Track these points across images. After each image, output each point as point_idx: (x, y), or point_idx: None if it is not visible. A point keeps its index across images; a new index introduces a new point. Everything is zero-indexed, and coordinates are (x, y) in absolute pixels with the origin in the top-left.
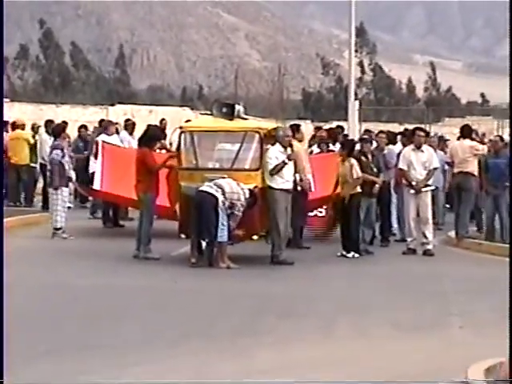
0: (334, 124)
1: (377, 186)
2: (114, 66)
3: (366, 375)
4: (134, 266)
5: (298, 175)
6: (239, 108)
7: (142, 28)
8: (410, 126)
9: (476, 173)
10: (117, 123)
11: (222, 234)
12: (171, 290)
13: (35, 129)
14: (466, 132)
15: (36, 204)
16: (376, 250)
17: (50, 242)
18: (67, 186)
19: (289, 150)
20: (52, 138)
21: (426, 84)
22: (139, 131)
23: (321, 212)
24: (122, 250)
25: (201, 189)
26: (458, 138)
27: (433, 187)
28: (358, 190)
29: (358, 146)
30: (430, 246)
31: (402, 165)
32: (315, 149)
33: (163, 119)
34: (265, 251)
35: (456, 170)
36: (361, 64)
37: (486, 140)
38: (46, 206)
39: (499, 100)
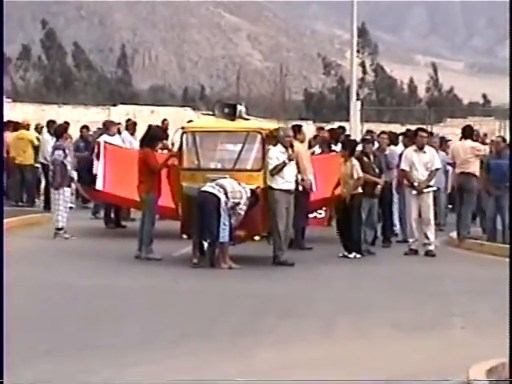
0: (335, 124)
1: (379, 186)
2: (116, 66)
3: (365, 375)
4: (135, 267)
5: (299, 175)
6: (241, 108)
7: (144, 28)
8: (412, 127)
9: (478, 173)
10: (119, 123)
11: (224, 235)
12: (173, 290)
13: (38, 129)
14: (468, 133)
15: (38, 204)
16: (378, 250)
17: (51, 242)
18: (69, 186)
19: (290, 150)
20: (54, 139)
21: (427, 84)
22: (141, 132)
23: (320, 213)
24: (123, 250)
25: (203, 189)
26: (460, 139)
27: (435, 188)
28: (359, 190)
29: (359, 147)
30: (431, 247)
31: (404, 165)
32: (317, 149)
33: (165, 119)
34: (266, 252)
35: (458, 171)
36: (362, 64)
37: (487, 141)
38: (47, 206)
39: (501, 101)
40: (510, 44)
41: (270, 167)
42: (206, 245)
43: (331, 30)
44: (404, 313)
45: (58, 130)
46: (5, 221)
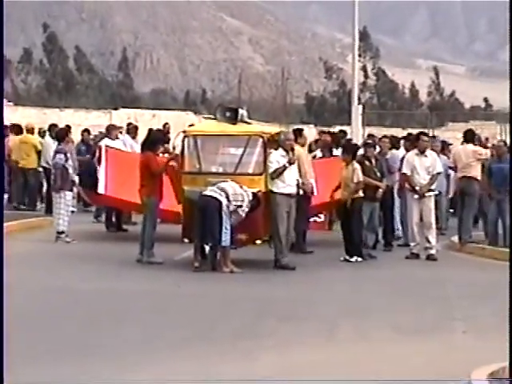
0: (337, 128)
1: (380, 190)
2: (118, 69)
3: (366, 378)
4: (137, 270)
5: (300, 179)
6: (243, 112)
7: (146, 31)
8: (414, 131)
9: (479, 177)
10: (121, 127)
11: (226, 239)
12: (174, 294)
13: (41, 133)
14: (469, 137)
15: (39, 208)
16: (379, 254)
17: (52, 245)
18: (71, 189)
19: (290, 154)
20: (56, 142)
21: (429, 88)
22: (142, 135)
23: (319, 217)
24: (125, 254)
25: (204, 193)
26: (462, 143)
27: (436, 192)
28: (360, 194)
29: (361, 151)
30: (433, 251)
31: (405, 169)
32: (318, 153)
33: (166, 123)
34: (268, 255)
35: (459, 175)
36: (364, 68)
37: (489, 144)
38: (49, 209)
39: (502, 104)
40: (510, 45)
41: (271, 171)
42: (207, 248)
43: (332, 34)
44: (405, 316)
45: (60, 134)
46: (6, 224)
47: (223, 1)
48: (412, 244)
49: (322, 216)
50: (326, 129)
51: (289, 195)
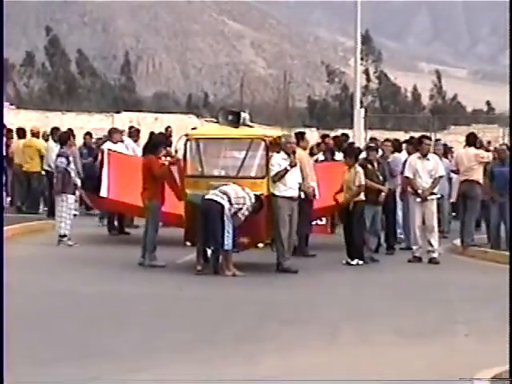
0: (339, 132)
1: (382, 193)
2: (120, 73)
3: (368, 381)
4: (139, 274)
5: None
6: (245, 115)
7: (148, 35)
8: (416, 134)
9: (481, 181)
10: (123, 131)
11: (228, 242)
12: (176, 297)
13: (45, 136)
14: (472, 140)
15: (42, 211)
16: (381, 257)
17: (55, 249)
18: (73, 193)
19: (292, 157)
20: (58, 146)
21: (431, 92)
22: (145, 139)
23: (321, 220)
24: (127, 257)
25: (207, 197)
26: (464, 147)
27: (438, 195)
28: (362, 197)
29: (363, 154)
30: (435, 254)
31: (407, 173)
32: (320, 156)
33: (169, 127)
34: (270, 259)
35: (461, 178)
36: (366, 72)
37: (491, 148)
38: (51, 213)
39: (505, 108)
40: (510, 48)
41: (272, 174)
42: (209, 252)
43: (334, 37)
44: (407, 319)
45: (63, 138)
46: (8, 228)
47: (225, 4)
48: (414, 247)
49: (323, 219)
50: (327, 132)
51: (290, 198)
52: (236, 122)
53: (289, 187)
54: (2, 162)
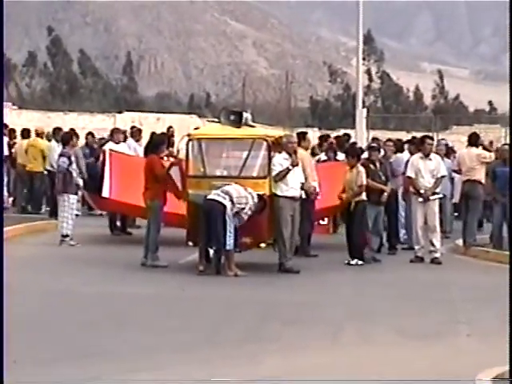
0: (341, 132)
1: (385, 194)
2: (122, 73)
3: (370, 382)
4: (141, 274)
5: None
6: (247, 116)
7: (150, 35)
8: (418, 134)
9: (483, 181)
10: (125, 131)
11: (230, 242)
12: (178, 297)
13: (49, 137)
14: (474, 140)
15: (44, 211)
16: (383, 257)
17: (57, 249)
18: (76, 193)
19: (293, 156)
20: (61, 146)
21: (433, 92)
22: (146, 139)
23: (323, 220)
24: (129, 257)
25: (209, 197)
26: (466, 147)
27: (441, 195)
28: (363, 197)
29: (365, 154)
30: (437, 254)
31: (410, 173)
32: (323, 156)
33: (170, 127)
34: (272, 259)
35: (463, 178)
36: (368, 72)
37: (493, 148)
38: (54, 213)
39: (507, 108)
40: (510, 47)
41: (274, 174)
42: (211, 252)
43: (336, 37)
44: (409, 320)
45: (65, 138)
46: (11, 228)
47: (227, 4)
48: (416, 247)
49: (325, 219)
50: (329, 132)
51: (292, 198)
52: (238, 122)
53: (291, 187)
54: (2, 162)
